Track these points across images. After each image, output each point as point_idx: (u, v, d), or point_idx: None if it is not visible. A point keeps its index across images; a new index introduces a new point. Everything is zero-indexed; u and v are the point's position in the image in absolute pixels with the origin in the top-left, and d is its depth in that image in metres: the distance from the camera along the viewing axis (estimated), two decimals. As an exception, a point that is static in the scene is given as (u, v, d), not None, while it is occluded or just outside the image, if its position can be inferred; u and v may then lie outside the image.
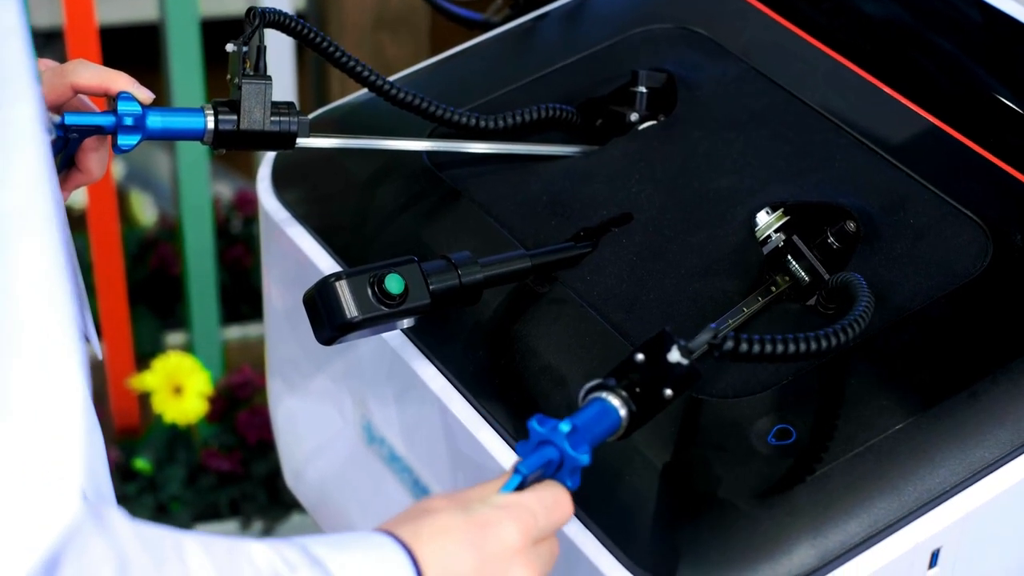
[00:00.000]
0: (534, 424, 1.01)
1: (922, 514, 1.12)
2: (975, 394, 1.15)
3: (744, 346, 1.07)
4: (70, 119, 1.23)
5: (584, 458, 1.01)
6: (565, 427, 1.00)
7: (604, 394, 1.04)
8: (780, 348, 1.08)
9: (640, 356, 1.04)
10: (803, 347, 1.09)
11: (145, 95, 1.26)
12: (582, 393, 1.05)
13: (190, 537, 0.86)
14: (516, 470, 1.00)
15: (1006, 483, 1.14)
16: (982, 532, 1.15)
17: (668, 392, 1.03)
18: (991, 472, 1.14)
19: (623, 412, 1.04)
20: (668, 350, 1.03)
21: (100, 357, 1.24)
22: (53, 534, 0.75)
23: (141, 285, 2.64)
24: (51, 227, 0.79)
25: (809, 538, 1.10)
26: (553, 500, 1.00)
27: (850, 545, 1.10)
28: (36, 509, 0.75)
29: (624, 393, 1.04)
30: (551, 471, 1.01)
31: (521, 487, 1.00)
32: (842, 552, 1.10)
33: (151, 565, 0.82)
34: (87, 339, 1.20)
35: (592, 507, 1.15)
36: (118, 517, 0.83)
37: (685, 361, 1.03)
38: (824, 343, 1.10)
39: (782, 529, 1.10)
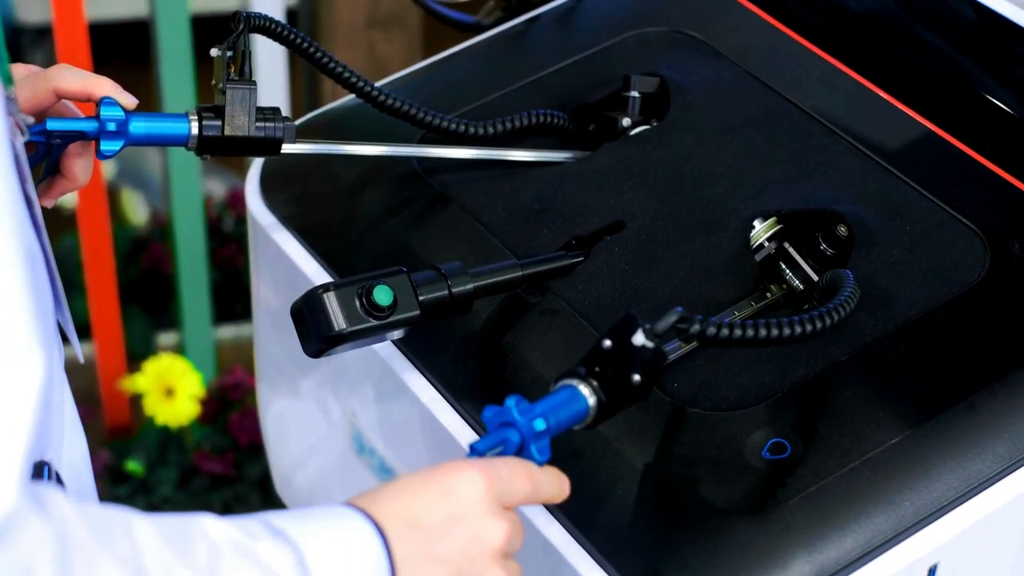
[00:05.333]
0: (485, 413, 1.01)
1: (919, 529, 1.11)
2: (973, 406, 1.14)
3: (712, 329, 1.05)
4: (52, 124, 1.21)
5: (539, 423, 0.99)
6: (511, 401, 0.99)
7: (574, 381, 1.03)
8: (750, 332, 1.06)
9: (608, 342, 1.03)
10: (774, 332, 1.07)
11: (128, 100, 1.24)
12: (553, 382, 1.04)
13: (140, 515, 0.85)
14: (471, 449, 0.99)
15: (1005, 497, 1.13)
16: (980, 547, 1.14)
17: (636, 377, 1.02)
18: (989, 486, 1.13)
19: (591, 400, 1.02)
20: (633, 333, 1.01)
21: (80, 356, 1.22)
22: None
23: (132, 285, 2.63)
24: (11, 223, 0.78)
25: (804, 554, 1.08)
26: (515, 465, 0.98)
27: (846, 561, 1.08)
28: None
29: (594, 382, 1.02)
30: (512, 451, 1.00)
31: None
32: (838, 568, 1.08)
33: (95, 543, 0.81)
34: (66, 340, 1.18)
35: (584, 521, 1.13)
36: (60, 498, 0.82)
37: (651, 344, 1.02)
38: (798, 329, 1.08)
39: (777, 544, 1.09)
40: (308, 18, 2.59)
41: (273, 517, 0.90)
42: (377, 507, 0.94)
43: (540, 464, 1.01)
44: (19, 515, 0.78)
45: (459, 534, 0.95)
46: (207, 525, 0.87)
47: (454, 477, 0.95)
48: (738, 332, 1.06)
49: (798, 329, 1.09)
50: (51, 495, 0.82)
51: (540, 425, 1.00)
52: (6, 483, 0.76)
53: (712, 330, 1.05)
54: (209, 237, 2.54)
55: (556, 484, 1.02)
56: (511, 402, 1.00)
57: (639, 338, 1.02)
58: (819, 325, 1.09)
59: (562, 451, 1.14)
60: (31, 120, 1.20)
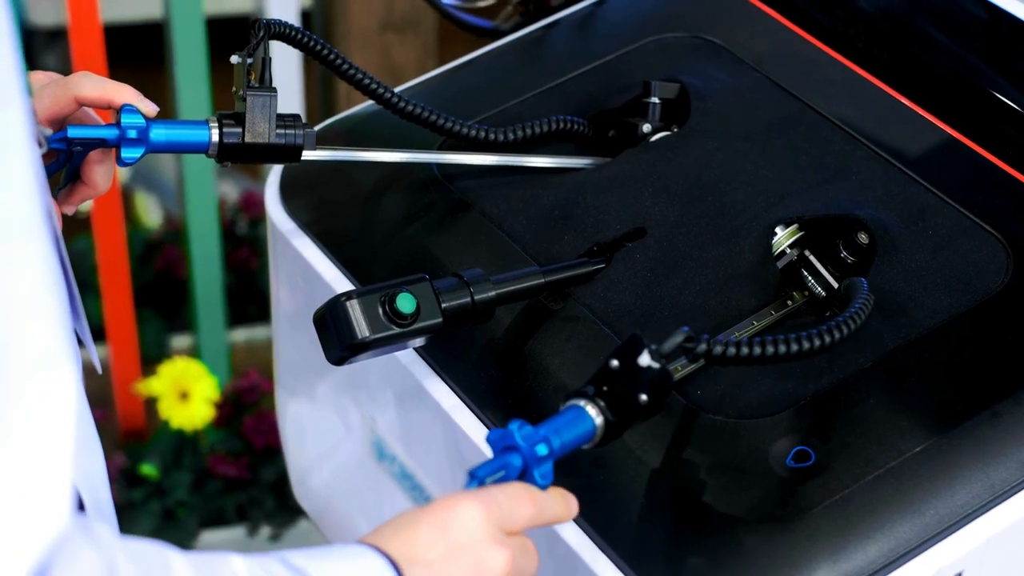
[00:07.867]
0: (489, 436, 1.01)
1: (944, 537, 1.10)
2: (997, 414, 1.13)
3: (719, 348, 1.04)
4: (73, 132, 1.21)
5: (541, 448, 0.99)
6: (514, 425, 1.00)
7: (580, 401, 1.03)
8: (757, 350, 1.06)
9: (614, 362, 1.03)
10: (782, 348, 1.07)
11: (149, 108, 1.24)
12: (561, 402, 1.04)
13: (175, 552, 0.87)
14: (471, 475, 0.99)
15: (1030, 505, 1.12)
16: (1006, 555, 1.13)
17: (643, 397, 1.01)
18: (1014, 494, 1.12)
19: (598, 420, 1.02)
20: (639, 354, 1.01)
21: (98, 366, 1.23)
22: (43, 543, 0.76)
23: (147, 288, 2.62)
24: (43, 234, 0.78)
25: (829, 562, 1.08)
26: (516, 490, 0.99)
27: (871, 570, 1.08)
28: (27, 519, 0.76)
29: (601, 402, 1.02)
30: (514, 475, 1.00)
31: None
32: (862, 577, 1.08)
33: (138, 574, 0.83)
34: (82, 344, 1.18)
35: (607, 529, 1.13)
36: (105, 530, 0.84)
37: (656, 364, 1.01)
38: (806, 344, 1.08)
39: (801, 553, 1.08)
40: (322, 21, 2.59)
41: (291, 555, 0.92)
42: (387, 544, 0.96)
43: (542, 488, 1.01)
44: (71, 542, 0.79)
45: (461, 565, 0.96)
46: (235, 563, 0.89)
47: (451, 510, 0.97)
48: (745, 350, 1.06)
49: (806, 344, 1.08)
50: (97, 526, 0.83)
51: (542, 450, 1.00)
52: (58, 506, 0.77)
53: (719, 349, 1.04)
54: (223, 240, 2.54)
55: (562, 504, 1.03)
56: (514, 426, 1.00)
57: (645, 359, 1.01)
58: (827, 339, 1.09)
59: (584, 459, 1.14)
60: (48, 131, 1.20)
